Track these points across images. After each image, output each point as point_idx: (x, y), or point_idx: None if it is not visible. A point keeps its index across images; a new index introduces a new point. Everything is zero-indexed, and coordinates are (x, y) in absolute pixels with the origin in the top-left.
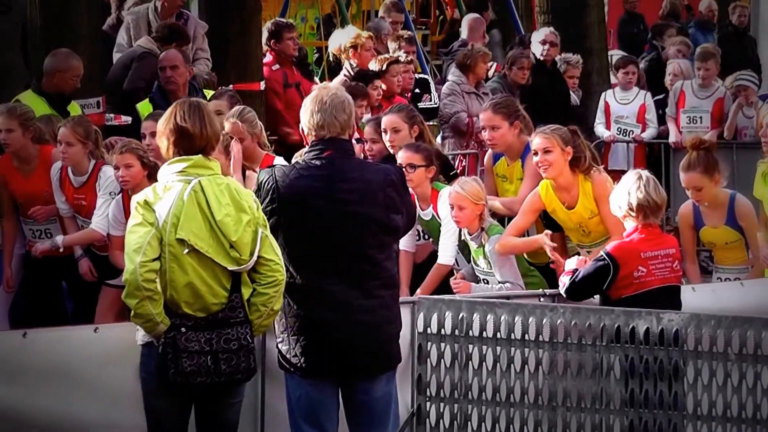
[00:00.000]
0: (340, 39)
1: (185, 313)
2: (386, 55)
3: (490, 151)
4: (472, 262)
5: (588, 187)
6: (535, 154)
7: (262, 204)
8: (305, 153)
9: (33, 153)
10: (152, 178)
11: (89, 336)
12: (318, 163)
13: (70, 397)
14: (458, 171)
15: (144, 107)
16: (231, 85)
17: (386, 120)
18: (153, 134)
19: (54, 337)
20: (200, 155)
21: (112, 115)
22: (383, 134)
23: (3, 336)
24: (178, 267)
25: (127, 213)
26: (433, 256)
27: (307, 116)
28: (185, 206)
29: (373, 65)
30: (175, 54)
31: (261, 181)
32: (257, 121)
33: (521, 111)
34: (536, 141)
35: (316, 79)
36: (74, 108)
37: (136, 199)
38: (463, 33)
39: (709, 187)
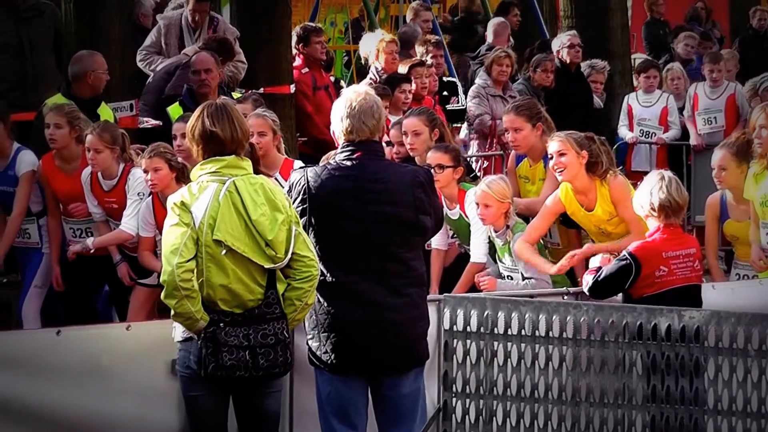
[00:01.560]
0: (370, 42)
1: (222, 310)
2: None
3: (513, 152)
4: (498, 260)
5: (605, 191)
6: (551, 157)
7: (293, 203)
8: (337, 154)
9: (76, 152)
10: (181, 180)
11: (122, 333)
12: (348, 164)
13: (103, 394)
14: (480, 173)
15: (174, 110)
16: (261, 89)
17: (407, 123)
18: (184, 135)
19: (87, 334)
20: (233, 156)
21: (144, 118)
22: (404, 137)
23: (37, 334)
24: (214, 267)
25: (157, 215)
26: (460, 258)
27: (337, 120)
28: (221, 207)
29: (402, 69)
30: (208, 57)
31: (293, 181)
32: (278, 123)
33: (543, 113)
34: (551, 144)
35: (343, 83)
36: (105, 111)
37: (173, 199)
38: (489, 37)
39: (734, 173)
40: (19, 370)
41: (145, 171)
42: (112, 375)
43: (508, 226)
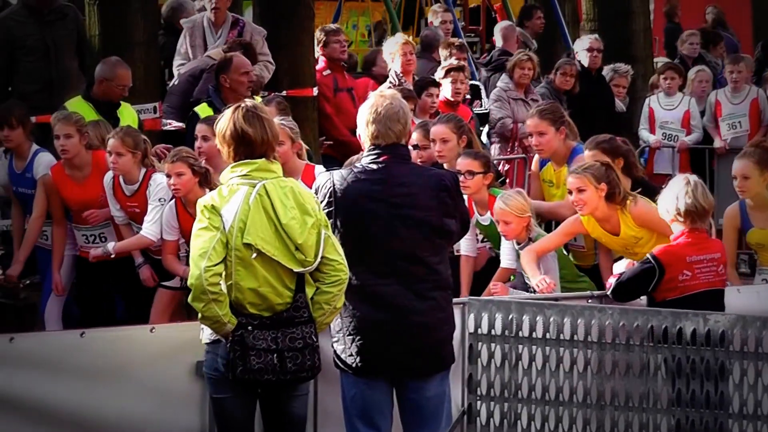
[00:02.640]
0: (392, 45)
1: (251, 313)
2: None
3: (536, 156)
4: (521, 270)
5: (628, 219)
6: (570, 192)
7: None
8: (363, 157)
9: (86, 159)
10: (204, 185)
11: (145, 336)
12: (374, 167)
13: (126, 396)
14: (503, 175)
15: (203, 110)
16: (285, 91)
17: (434, 130)
18: (204, 138)
19: (111, 336)
20: (263, 159)
21: (168, 121)
22: (432, 144)
23: (61, 335)
24: (243, 270)
25: (180, 219)
26: (492, 262)
27: (362, 125)
28: (251, 210)
29: (439, 73)
30: (246, 59)
31: (319, 185)
32: (297, 131)
33: (566, 117)
34: (570, 180)
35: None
36: (128, 112)
37: (203, 202)
38: (498, 42)
39: (757, 181)
40: (43, 371)
41: (168, 176)
42: (135, 377)
43: (530, 239)
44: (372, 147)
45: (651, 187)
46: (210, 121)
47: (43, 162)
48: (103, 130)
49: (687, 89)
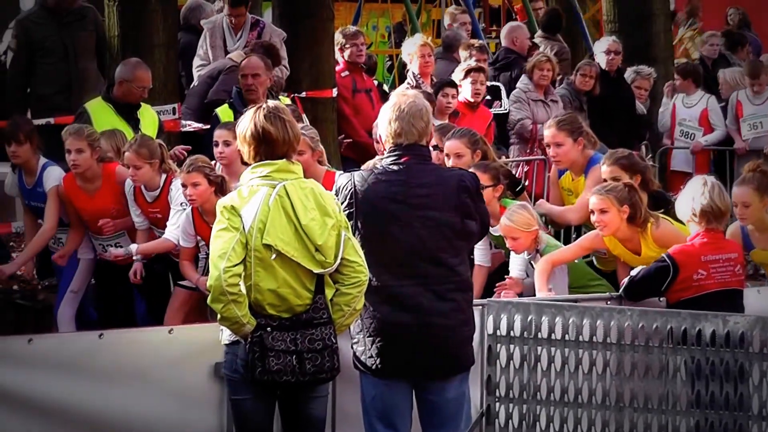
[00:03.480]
0: (410, 47)
1: (270, 314)
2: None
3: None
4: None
5: (649, 240)
6: (592, 213)
7: (341, 207)
8: (384, 158)
9: (97, 172)
10: (219, 193)
11: (164, 337)
12: (395, 168)
13: (145, 398)
14: (522, 178)
15: (223, 112)
16: (304, 92)
17: (449, 145)
18: (226, 143)
19: (129, 338)
20: (284, 159)
21: (187, 122)
22: (446, 159)
23: (79, 337)
24: (263, 271)
25: (197, 226)
26: (504, 266)
27: (384, 124)
28: (271, 211)
29: (458, 74)
30: (257, 62)
31: (340, 186)
32: (318, 140)
33: (584, 126)
34: (592, 201)
35: (386, 87)
36: (144, 114)
37: (222, 203)
38: (503, 41)
39: (758, 207)
40: (62, 373)
41: (184, 186)
42: (154, 378)
43: (537, 251)
44: (393, 147)
45: (665, 199)
46: (230, 126)
47: (53, 175)
48: (118, 139)
49: (721, 89)
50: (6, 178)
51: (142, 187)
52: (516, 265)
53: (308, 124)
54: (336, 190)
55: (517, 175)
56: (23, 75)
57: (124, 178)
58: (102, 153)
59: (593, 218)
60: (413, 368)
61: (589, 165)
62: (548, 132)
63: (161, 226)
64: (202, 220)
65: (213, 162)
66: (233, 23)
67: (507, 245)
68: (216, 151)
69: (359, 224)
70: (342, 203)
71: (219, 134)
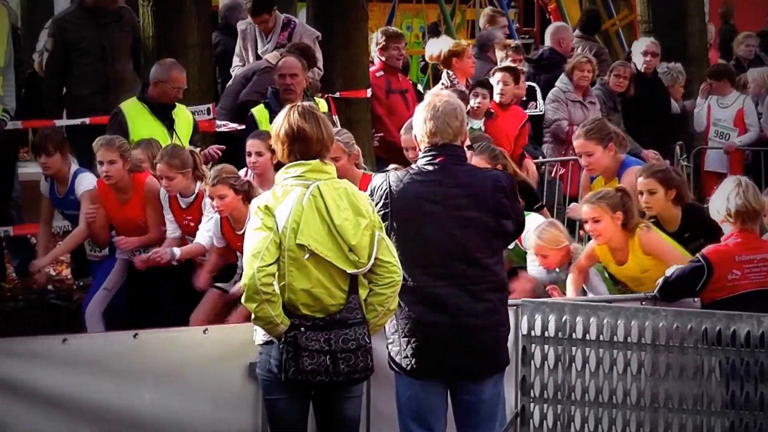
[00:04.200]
0: (435, 47)
1: (304, 314)
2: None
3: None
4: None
5: (636, 245)
6: (585, 222)
7: (375, 208)
8: (419, 158)
9: (128, 183)
10: (247, 200)
11: (198, 337)
12: (430, 168)
13: (179, 398)
14: (557, 179)
15: (259, 112)
16: (338, 92)
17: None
18: (259, 153)
19: (164, 338)
20: (317, 159)
21: (222, 122)
22: None
23: (114, 336)
24: (297, 271)
25: (224, 234)
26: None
27: (420, 123)
28: (304, 211)
29: (498, 75)
30: (295, 62)
31: (375, 186)
32: (353, 143)
33: (613, 131)
34: (584, 210)
35: (420, 87)
36: (179, 114)
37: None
38: (548, 41)
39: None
40: (96, 373)
41: (210, 197)
42: (188, 378)
43: (570, 262)
44: (428, 148)
45: (700, 212)
46: (263, 137)
47: (83, 183)
48: (153, 149)
49: (749, 89)
50: (41, 178)
51: (177, 194)
52: (532, 270)
53: (341, 128)
54: (371, 190)
55: (552, 175)
56: (59, 75)
57: (153, 188)
58: (135, 162)
59: (587, 227)
60: (448, 368)
61: (622, 168)
62: (577, 142)
63: (193, 234)
64: (230, 227)
65: (244, 170)
66: (261, 27)
67: (538, 263)
68: (249, 160)
69: (394, 224)
70: (377, 203)
71: (252, 144)
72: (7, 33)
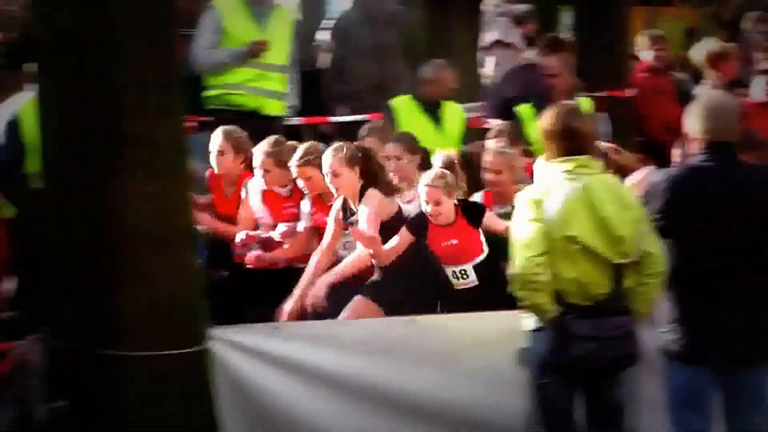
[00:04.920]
0: (700, 49)
1: (572, 302)
2: None
3: None
4: None
5: None
6: None
7: (655, 204)
8: (696, 156)
9: (235, 179)
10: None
11: (472, 323)
12: (708, 165)
13: (455, 380)
14: None
15: (524, 110)
16: (602, 92)
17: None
18: (398, 158)
19: (440, 323)
20: (584, 155)
21: (488, 119)
22: None
23: (392, 322)
24: (565, 261)
25: (315, 211)
26: None
27: (696, 121)
28: (573, 204)
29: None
30: (559, 61)
31: (654, 182)
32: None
33: None
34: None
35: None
36: (447, 111)
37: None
38: None
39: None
40: (377, 355)
41: (299, 179)
42: (463, 362)
43: None
44: (704, 145)
45: None
46: (404, 140)
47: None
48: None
49: None
50: None
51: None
52: None
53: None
54: (649, 187)
55: None
56: (340, 74)
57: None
58: (249, 160)
59: None
60: (720, 355)
61: None
62: None
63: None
64: (321, 200)
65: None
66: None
67: None
68: (390, 166)
69: (674, 219)
70: (657, 199)
71: (391, 150)
72: (290, 34)
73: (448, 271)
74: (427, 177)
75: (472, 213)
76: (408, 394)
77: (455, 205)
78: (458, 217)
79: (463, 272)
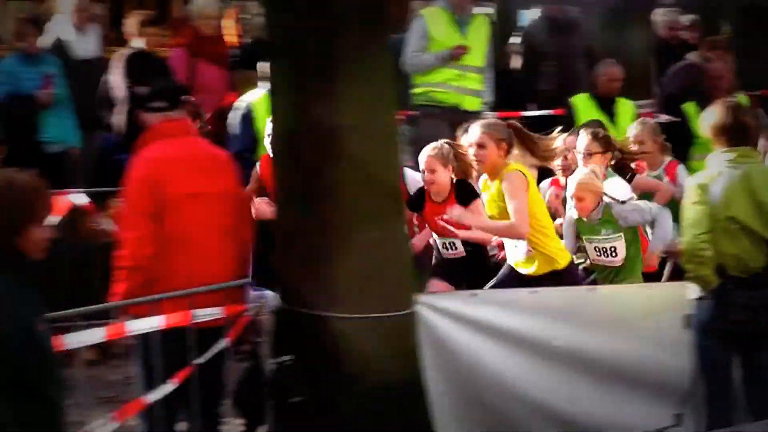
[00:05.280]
0: None
1: (731, 275)
2: None
3: None
4: None
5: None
6: None
7: None
8: None
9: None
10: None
11: (642, 292)
12: None
13: (626, 342)
14: None
15: (689, 108)
16: (760, 91)
17: (569, 141)
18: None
19: (613, 291)
20: (747, 146)
21: (659, 114)
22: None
23: (572, 291)
24: (726, 238)
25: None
26: None
27: None
28: (735, 189)
29: None
30: (722, 65)
31: None
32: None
33: None
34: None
35: None
36: (624, 105)
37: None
38: None
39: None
40: (560, 322)
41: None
42: (635, 327)
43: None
44: None
45: None
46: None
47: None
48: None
49: None
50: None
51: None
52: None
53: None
54: None
55: None
56: (530, 75)
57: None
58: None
59: None
60: None
61: None
62: None
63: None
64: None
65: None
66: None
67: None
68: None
69: None
70: None
71: (569, 140)
72: (487, 39)
73: (440, 242)
74: (428, 148)
75: (463, 192)
76: (586, 353)
77: (451, 181)
78: (452, 194)
79: (452, 244)
